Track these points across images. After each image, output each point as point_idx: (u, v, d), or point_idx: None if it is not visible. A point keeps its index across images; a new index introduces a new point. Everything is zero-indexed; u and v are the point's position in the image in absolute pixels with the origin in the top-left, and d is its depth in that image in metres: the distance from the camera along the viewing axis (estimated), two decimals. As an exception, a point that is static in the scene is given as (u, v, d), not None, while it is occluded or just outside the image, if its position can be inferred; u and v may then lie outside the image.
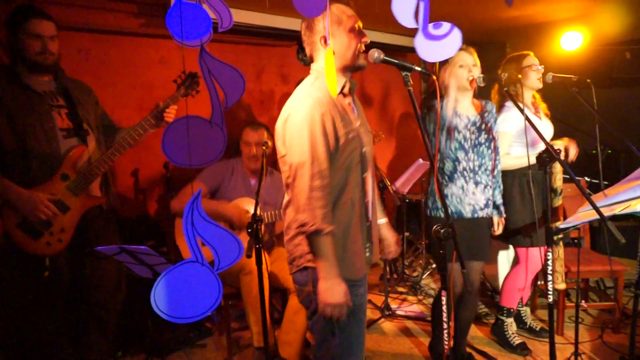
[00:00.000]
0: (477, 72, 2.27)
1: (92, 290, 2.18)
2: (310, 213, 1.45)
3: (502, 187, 2.47)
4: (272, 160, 3.07)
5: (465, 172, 2.29)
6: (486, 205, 2.34)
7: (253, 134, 2.84)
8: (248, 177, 2.89)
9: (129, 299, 2.59)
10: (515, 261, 2.81)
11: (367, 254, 1.67)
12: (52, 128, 2.04)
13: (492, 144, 2.35)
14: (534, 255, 2.67)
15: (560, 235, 2.61)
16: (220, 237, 0.68)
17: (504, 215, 2.48)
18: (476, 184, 2.31)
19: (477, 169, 2.30)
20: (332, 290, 1.47)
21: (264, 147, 2.44)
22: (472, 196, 2.30)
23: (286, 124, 1.54)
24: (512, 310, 2.81)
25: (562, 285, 2.66)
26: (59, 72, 2.14)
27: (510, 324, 2.83)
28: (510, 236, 2.66)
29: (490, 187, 2.36)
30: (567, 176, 2.55)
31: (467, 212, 2.30)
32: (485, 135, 2.33)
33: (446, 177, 2.31)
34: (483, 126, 2.33)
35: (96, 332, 2.23)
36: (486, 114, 2.37)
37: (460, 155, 2.28)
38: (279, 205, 2.76)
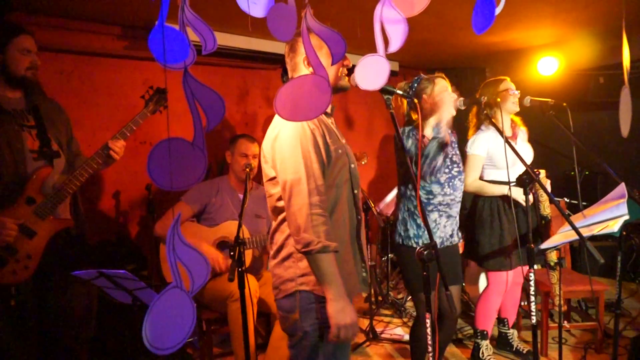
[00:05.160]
0: (454, 96, 2.28)
1: (61, 320, 2.06)
2: (314, 230, 1.38)
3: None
4: (257, 178, 3.05)
5: (440, 207, 2.27)
6: (451, 235, 2.33)
7: (250, 145, 2.81)
8: (236, 193, 2.84)
9: (104, 325, 2.50)
10: (487, 284, 2.83)
11: (364, 274, 1.63)
12: (20, 150, 1.96)
13: (462, 177, 2.35)
14: (502, 278, 2.70)
15: (555, 260, 2.63)
16: (194, 259, 0.67)
17: (462, 239, 2.46)
18: (448, 217, 2.30)
19: (451, 202, 2.29)
20: (344, 311, 1.39)
21: (247, 169, 2.43)
22: (443, 229, 2.29)
23: (276, 141, 1.49)
24: (485, 332, 2.81)
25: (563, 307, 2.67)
26: (30, 89, 2.06)
27: (486, 347, 2.81)
28: (481, 259, 2.69)
29: (455, 217, 2.34)
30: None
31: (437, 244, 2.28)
32: (457, 168, 2.32)
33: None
34: (454, 158, 2.33)
35: None
36: (454, 144, 2.37)
37: (436, 189, 2.25)
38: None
